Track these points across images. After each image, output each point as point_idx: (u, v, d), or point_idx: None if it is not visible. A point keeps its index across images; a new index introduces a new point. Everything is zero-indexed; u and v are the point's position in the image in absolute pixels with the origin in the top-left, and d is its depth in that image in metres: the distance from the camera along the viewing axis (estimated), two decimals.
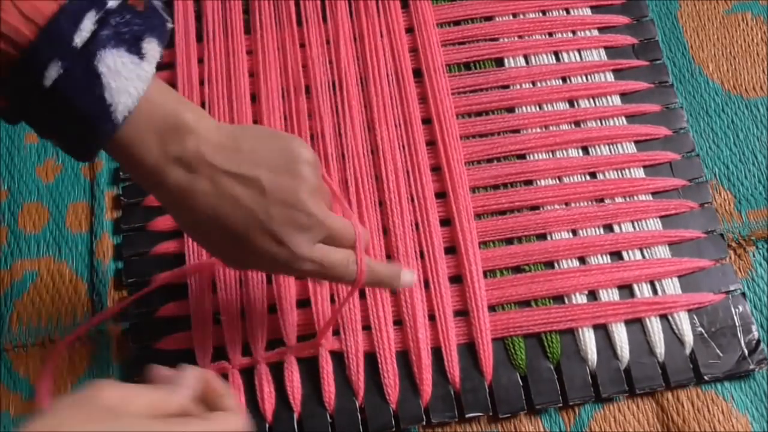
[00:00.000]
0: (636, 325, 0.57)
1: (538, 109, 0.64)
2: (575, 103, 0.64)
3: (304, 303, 0.58)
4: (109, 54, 0.40)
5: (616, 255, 0.59)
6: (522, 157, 0.62)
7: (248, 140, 0.45)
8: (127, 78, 0.41)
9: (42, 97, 0.40)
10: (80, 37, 0.40)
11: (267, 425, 0.55)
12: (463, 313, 0.57)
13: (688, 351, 0.56)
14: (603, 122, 0.64)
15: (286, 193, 0.45)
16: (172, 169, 0.44)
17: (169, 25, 0.45)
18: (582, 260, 0.59)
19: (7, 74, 0.40)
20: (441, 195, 0.61)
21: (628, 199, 0.61)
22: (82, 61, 0.40)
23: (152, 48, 0.42)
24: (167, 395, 0.39)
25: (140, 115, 0.42)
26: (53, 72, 0.40)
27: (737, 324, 0.57)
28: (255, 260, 0.47)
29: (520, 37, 0.67)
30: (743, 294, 0.58)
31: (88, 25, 0.40)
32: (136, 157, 0.43)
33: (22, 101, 0.41)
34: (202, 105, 0.64)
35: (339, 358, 0.56)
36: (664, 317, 0.57)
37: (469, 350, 0.56)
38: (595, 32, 0.67)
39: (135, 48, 0.41)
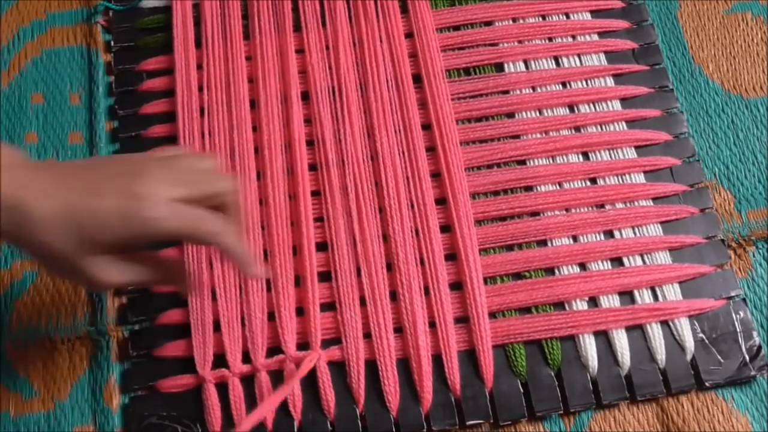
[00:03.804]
0: (637, 331, 0.57)
1: (538, 114, 0.64)
2: (575, 109, 0.64)
3: (303, 311, 0.57)
4: None
5: (617, 261, 0.59)
6: (522, 162, 0.62)
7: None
8: None
9: None
10: None
11: None
12: (463, 320, 0.57)
13: (689, 357, 0.56)
14: (603, 127, 0.63)
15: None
16: None
17: None
18: (582, 266, 0.59)
19: None
20: (441, 201, 0.61)
21: (628, 204, 0.61)
22: None
23: None
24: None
25: None
26: None
27: (738, 330, 0.57)
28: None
29: (519, 42, 0.67)
30: (744, 299, 0.58)
31: None
32: None
33: None
34: (201, 111, 0.64)
35: (339, 366, 0.56)
36: (665, 323, 0.57)
37: (470, 357, 0.56)
38: (595, 37, 0.67)
39: None
